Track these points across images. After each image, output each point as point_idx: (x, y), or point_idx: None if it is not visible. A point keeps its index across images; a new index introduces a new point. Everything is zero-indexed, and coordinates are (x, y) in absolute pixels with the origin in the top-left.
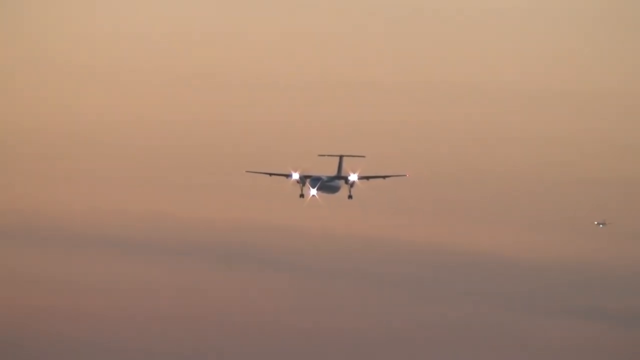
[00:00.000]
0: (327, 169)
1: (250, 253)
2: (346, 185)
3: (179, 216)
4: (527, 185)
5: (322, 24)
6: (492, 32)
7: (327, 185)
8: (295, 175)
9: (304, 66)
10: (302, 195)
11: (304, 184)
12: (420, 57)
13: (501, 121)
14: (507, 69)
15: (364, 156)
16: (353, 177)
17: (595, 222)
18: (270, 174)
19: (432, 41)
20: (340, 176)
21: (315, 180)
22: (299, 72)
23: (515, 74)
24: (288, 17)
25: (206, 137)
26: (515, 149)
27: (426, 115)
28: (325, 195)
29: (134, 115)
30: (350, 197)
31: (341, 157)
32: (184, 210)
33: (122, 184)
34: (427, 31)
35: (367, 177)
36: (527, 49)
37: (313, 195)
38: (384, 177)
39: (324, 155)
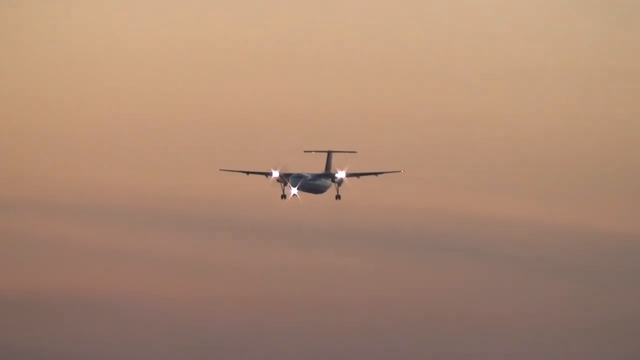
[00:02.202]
0: (315, 167)
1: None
2: (334, 184)
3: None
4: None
5: (306, 9)
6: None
7: (311, 184)
8: (275, 174)
9: (288, 53)
10: (284, 196)
11: (285, 184)
12: (419, 41)
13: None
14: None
15: (355, 152)
16: (341, 175)
17: None
18: (248, 173)
19: (429, 25)
20: (327, 174)
21: (296, 179)
22: (284, 58)
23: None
24: (270, 4)
25: (176, 132)
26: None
27: (423, 106)
28: (309, 196)
29: (105, 108)
30: (338, 197)
31: (330, 153)
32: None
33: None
34: (424, 14)
35: (358, 175)
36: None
37: (294, 195)
38: (376, 174)
39: (311, 152)
